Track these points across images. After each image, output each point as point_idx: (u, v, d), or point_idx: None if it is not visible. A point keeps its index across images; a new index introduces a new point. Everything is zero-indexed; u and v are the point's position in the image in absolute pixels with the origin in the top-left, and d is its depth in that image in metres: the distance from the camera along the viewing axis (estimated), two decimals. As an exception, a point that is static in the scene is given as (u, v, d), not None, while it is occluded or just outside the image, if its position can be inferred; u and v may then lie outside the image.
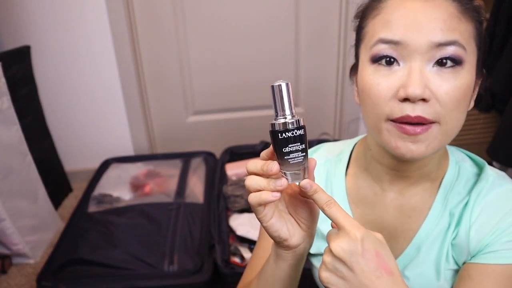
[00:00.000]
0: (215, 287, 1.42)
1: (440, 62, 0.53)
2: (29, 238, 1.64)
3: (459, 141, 2.04)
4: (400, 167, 0.64)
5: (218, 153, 2.11)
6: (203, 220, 1.62)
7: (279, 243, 0.55)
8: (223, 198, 1.68)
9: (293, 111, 0.48)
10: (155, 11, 1.98)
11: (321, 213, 0.53)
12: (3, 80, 1.57)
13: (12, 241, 1.58)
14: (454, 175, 0.65)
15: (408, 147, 0.55)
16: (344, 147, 0.75)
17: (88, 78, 2.03)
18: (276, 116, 0.48)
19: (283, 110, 0.48)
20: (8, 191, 1.54)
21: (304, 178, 0.50)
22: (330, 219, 0.49)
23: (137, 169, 1.97)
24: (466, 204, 0.62)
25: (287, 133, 0.47)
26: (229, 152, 2.03)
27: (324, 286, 0.49)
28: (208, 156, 2.08)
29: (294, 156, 0.48)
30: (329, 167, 0.74)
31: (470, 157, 0.69)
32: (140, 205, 1.68)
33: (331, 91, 2.24)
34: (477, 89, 0.61)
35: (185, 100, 2.19)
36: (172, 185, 1.84)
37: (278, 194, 0.49)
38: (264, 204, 0.50)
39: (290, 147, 0.48)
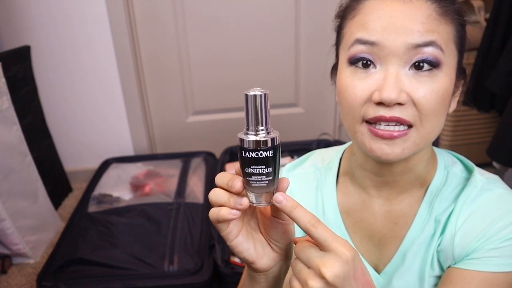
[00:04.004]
0: (215, 287, 1.42)
1: (417, 66, 0.52)
2: (29, 238, 1.64)
3: (460, 141, 2.04)
4: (383, 173, 0.62)
5: (218, 153, 2.11)
6: (203, 220, 1.62)
7: (247, 265, 0.51)
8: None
9: (268, 126, 0.42)
10: (155, 11, 1.98)
11: None
12: (3, 80, 1.57)
13: (12, 241, 1.58)
14: (442, 180, 0.64)
15: (382, 149, 0.54)
16: (334, 154, 0.73)
17: (88, 78, 2.03)
18: (247, 129, 0.42)
19: (256, 124, 0.42)
20: (8, 191, 1.54)
21: (269, 202, 0.45)
22: (316, 241, 0.44)
23: (137, 169, 1.97)
24: (452, 211, 0.61)
25: (251, 153, 0.41)
26: (229, 152, 2.03)
27: None
28: (208, 156, 2.08)
29: (256, 179, 0.43)
30: (319, 177, 0.72)
31: (461, 161, 0.67)
32: (140, 205, 1.68)
33: (331, 91, 2.23)
34: (458, 90, 0.60)
35: (185, 100, 2.19)
36: (172, 185, 1.84)
37: (237, 212, 0.45)
38: (223, 221, 0.46)
39: (253, 168, 0.42)
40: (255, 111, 0.42)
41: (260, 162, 0.42)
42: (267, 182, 0.43)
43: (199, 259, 1.42)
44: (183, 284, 1.35)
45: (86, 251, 1.45)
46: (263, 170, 0.42)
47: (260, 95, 0.41)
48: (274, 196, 0.45)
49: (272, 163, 0.42)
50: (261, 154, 0.42)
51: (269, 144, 0.42)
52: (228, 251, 1.43)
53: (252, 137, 0.42)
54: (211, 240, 1.48)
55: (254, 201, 0.45)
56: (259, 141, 0.41)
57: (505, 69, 1.44)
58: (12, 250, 1.62)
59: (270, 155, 0.42)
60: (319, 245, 0.44)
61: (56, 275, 1.37)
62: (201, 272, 1.38)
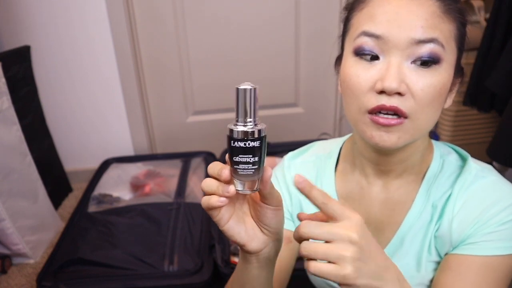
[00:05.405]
0: (215, 287, 1.42)
1: (418, 60, 0.55)
2: (29, 238, 1.64)
3: (460, 141, 2.04)
4: (381, 161, 0.65)
5: (218, 153, 2.11)
6: (203, 220, 1.62)
7: (240, 247, 0.55)
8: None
9: (256, 118, 0.45)
10: (155, 11, 1.98)
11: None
12: (3, 80, 1.57)
13: (12, 241, 1.58)
14: (438, 168, 0.67)
15: (381, 136, 0.57)
16: (334, 144, 0.77)
17: (88, 78, 2.03)
18: (237, 121, 0.45)
19: (245, 116, 0.45)
20: (8, 191, 1.54)
21: (254, 189, 0.48)
22: (328, 214, 0.47)
23: (137, 169, 1.97)
24: (449, 196, 0.63)
25: (239, 143, 0.44)
26: (229, 152, 2.03)
27: (348, 284, 0.44)
28: (208, 156, 2.08)
29: (243, 167, 0.45)
30: (319, 164, 0.75)
31: (455, 151, 0.70)
32: (140, 205, 1.68)
33: (331, 91, 2.24)
34: (455, 88, 0.63)
35: (185, 100, 2.19)
36: (172, 185, 1.84)
37: (224, 200, 0.47)
38: (213, 208, 0.49)
39: (240, 157, 0.45)
40: (244, 104, 0.44)
41: (247, 152, 0.45)
42: (253, 170, 0.46)
43: (199, 259, 1.42)
44: (183, 284, 1.35)
45: (86, 251, 1.45)
46: (250, 159, 0.45)
47: (250, 89, 0.44)
48: (295, 180, 0.48)
49: (258, 152, 0.45)
50: (248, 144, 0.44)
51: (256, 135, 0.44)
52: (228, 251, 1.43)
53: (241, 128, 0.45)
54: (211, 240, 1.48)
55: (240, 188, 0.47)
56: (247, 131, 0.44)
57: (505, 69, 1.44)
58: (12, 250, 1.62)
59: (257, 145, 0.45)
60: (333, 218, 0.47)
61: (56, 275, 1.37)
62: (201, 272, 1.39)
